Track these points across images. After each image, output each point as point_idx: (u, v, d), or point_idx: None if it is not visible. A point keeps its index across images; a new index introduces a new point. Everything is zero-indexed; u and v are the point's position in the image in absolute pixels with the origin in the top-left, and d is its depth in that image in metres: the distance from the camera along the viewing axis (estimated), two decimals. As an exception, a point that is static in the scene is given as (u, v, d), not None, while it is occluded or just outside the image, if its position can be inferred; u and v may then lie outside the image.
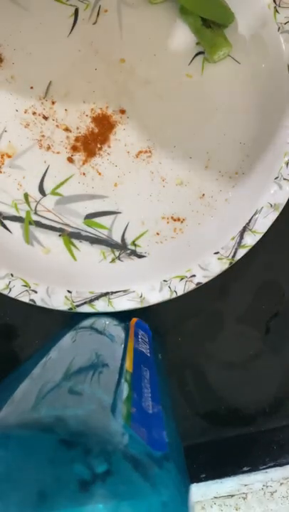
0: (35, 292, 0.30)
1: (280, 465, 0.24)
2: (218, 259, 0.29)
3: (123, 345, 0.23)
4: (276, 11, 0.29)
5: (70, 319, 0.31)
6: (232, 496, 0.20)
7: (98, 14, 0.31)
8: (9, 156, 0.31)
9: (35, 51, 0.31)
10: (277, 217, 0.29)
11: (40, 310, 0.32)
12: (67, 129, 0.31)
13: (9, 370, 0.20)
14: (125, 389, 0.18)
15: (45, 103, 0.31)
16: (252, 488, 0.20)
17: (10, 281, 0.29)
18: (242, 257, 0.29)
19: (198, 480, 0.23)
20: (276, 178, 0.29)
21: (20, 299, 0.29)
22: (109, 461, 0.14)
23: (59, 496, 0.13)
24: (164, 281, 0.30)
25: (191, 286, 0.29)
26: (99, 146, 0.32)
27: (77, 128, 0.31)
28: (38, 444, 0.14)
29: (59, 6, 0.31)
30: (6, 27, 0.31)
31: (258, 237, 0.29)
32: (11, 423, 0.15)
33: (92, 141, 0.31)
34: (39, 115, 0.31)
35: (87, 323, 0.29)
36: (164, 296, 0.30)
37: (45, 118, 0.31)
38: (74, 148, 0.31)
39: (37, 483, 0.13)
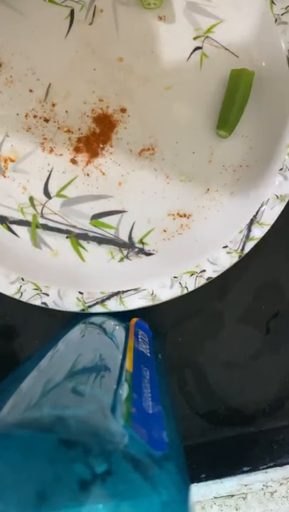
0: (47, 295, 0.30)
1: (280, 465, 0.24)
2: (227, 253, 0.29)
3: (123, 346, 0.23)
4: (272, 2, 0.29)
5: (73, 319, 0.31)
6: (232, 496, 0.20)
7: (94, 14, 0.31)
8: (12, 161, 0.31)
9: (33, 54, 0.31)
10: (280, 214, 0.29)
11: (40, 310, 0.32)
12: (68, 131, 0.32)
13: (9, 370, 0.21)
14: (125, 389, 0.18)
15: (46, 106, 0.31)
16: (252, 488, 0.20)
17: (21, 286, 0.30)
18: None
19: (198, 480, 0.23)
20: (281, 169, 0.28)
21: (32, 302, 0.30)
22: (109, 461, 0.14)
23: (59, 495, 0.13)
24: (175, 277, 0.30)
25: (202, 281, 0.29)
26: (101, 146, 0.32)
27: (79, 129, 0.32)
28: (38, 444, 0.14)
29: (54, 8, 0.31)
30: (3, 32, 0.31)
31: (266, 229, 0.29)
32: (11, 422, 0.15)
33: (94, 142, 0.31)
34: (40, 118, 0.31)
35: (97, 320, 0.28)
36: (175, 292, 0.29)
37: (47, 121, 0.31)
38: (77, 150, 0.32)
39: (37, 482, 0.13)
